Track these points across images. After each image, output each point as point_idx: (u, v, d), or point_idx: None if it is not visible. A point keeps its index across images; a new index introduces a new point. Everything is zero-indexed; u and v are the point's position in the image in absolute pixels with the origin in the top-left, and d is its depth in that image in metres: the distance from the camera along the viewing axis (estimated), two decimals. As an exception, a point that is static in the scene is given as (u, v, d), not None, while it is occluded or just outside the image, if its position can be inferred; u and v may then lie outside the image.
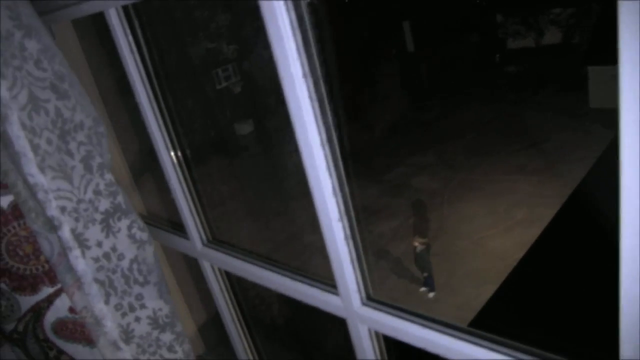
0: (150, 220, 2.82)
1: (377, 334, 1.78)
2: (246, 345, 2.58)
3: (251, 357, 2.57)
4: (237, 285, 2.55)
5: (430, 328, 1.56)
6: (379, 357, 1.79)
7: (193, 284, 3.32)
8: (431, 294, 7.79)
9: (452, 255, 8.49)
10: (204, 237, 2.36)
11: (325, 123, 1.48)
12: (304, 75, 1.37)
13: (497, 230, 8.80)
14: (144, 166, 3.01)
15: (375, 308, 1.70)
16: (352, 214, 1.61)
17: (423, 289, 7.89)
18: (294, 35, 1.34)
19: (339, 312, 1.79)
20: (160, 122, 2.18)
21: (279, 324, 3.40)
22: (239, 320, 2.52)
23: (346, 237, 1.62)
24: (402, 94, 13.62)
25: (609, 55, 10.67)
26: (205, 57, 11.73)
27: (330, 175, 1.52)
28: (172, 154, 2.23)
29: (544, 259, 7.63)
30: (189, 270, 3.33)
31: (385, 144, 12.15)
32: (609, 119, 10.51)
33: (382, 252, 8.86)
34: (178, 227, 2.51)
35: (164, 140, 2.18)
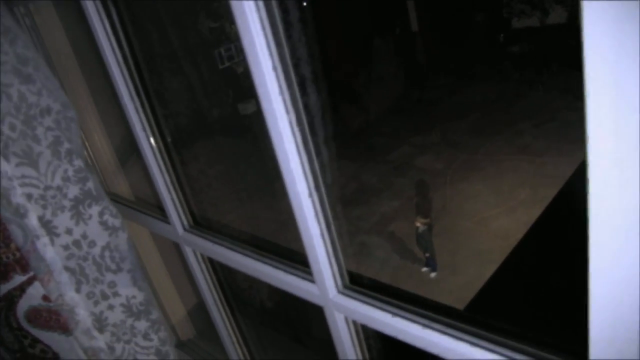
0: (136, 204, 2.78)
1: (354, 322, 1.74)
2: (231, 331, 2.56)
3: (236, 342, 2.56)
4: (221, 269, 2.52)
5: (409, 320, 1.51)
6: (357, 346, 1.75)
7: (182, 266, 3.29)
8: (433, 274, 7.79)
9: (454, 236, 8.48)
10: (185, 221, 2.32)
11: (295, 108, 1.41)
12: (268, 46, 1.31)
13: (500, 210, 8.76)
14: (131, 148, 2.95)
15: (351, 297, 1.66)
16: (325, 199, 1.55)
17: (425, 269, 7.89)
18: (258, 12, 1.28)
19: (316, 299, 1.76)
20: (137, 102, 2.13)
21: (269, 307, 3.38)
22: (222, 305, 2.50)
23: (318, 220, 1.57)
24: (405, 73, 13.47)
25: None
26: (208, 37, 11.61)
27: (299, 153, 1.46)
28: (150, 136, 2.18)
29: (545, 238, 7.59)
30: (178, 253, 3.30)
31: (388, 124, 12.06)
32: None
33: (385, 232, 8.86)
34: (161, 211, 2.48)
35: (141, 122, 2.13)
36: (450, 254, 7.97)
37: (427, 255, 7.74)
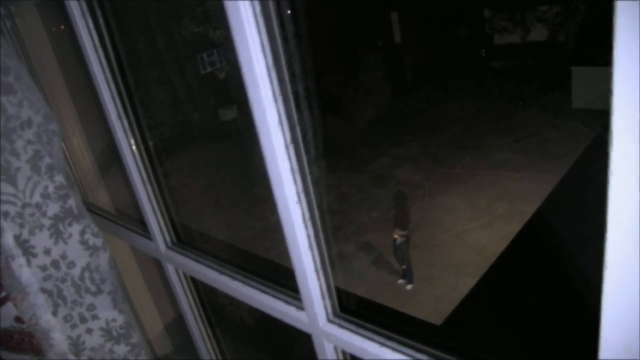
0: (117, 218, 2.69)
1: (344, 351, 1.69)
2: (210, 347, 2.49)
3: (214, 357, 2.48)
4: (203, 285, 2.44)
5: (402, 353, 1.46)
6: (345, 376, 1.70)
7: (160, 279, 3.19)
8: (409, 286, 7.78)
9: (431, 248, 8.50)
10: (168, 238, 2.24)
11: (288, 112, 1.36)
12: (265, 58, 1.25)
13: (478, 224, 8.83)
14: (112, 157, 2.85)
15: (342, 326, 1.61)
16: (320, 229, 1.50)
17: (401, 280, 7.88)
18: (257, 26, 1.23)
19: (304, 327, 1.70)
20: (122, 114, 2.05)
21: (249, 324, 3.30)
22: (202, 322, 2.42)
23: (311, 247, 1.52)
24: (387, 86, 13.55)
25: (592, 56, 10.74)
26: (191, 42, 11.48)
27: (295, 181, 1.41)
28: (132, 141, 2.09)
29: (523, 255, 7.66)
30: (157, 266, 3.21)
31: (369, 135, 12.10)
32: (591, 118, 10.62)
33: (363, 243, 8.83)
34: (143, 225, 2.39)
35: (123, 126, 2.04)
36: (426, 266, 7.98)
37: (404, 267, 7.73)
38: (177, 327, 3.30)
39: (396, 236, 7.72)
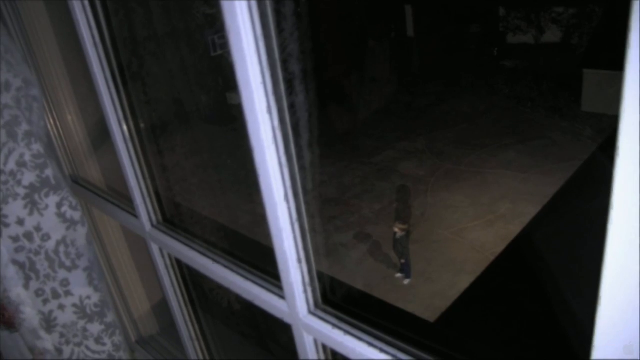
0: (104, 192, 2.62)
1: (324, 346, 1.62)
2: (192, 331, 2.43)
3: (196, 343, 2.42)
4: (188, 268, 2.38)
5: (386, 352, 1.39)
6: (325, 370, 1.63)
7: (150, 259, 3.13)
8: (406, 281, 7.78)
9: (431, 244, 8.49)
10: (153, 217, 2.17)
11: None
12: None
13: (479, 222, 8.80)
14: (106, 131, 2.77)
15: (324, 319, 1.53)
16: (303, 208, 1.42)
17: (399, 274, 7.88)
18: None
19: (284, 317, 1.63)
20: (112, 86, 1.96)
21: (236, 309, 3.25)
22: (186, 304, 2.36)
23: (294, 230, 1.44)
24: (397, 78, 13.44)
25: (605, 59, 10.58)
26: (203, 23, 11.38)
27: (279, 156, 1.33)
28: (123, 120, 2.01)
29: (522, 256, 7.61)
30: (147, 246, 3.14)
31: (375, 127, 12.01)
32: (599, 123, 10.50)
33: (363, 234, 8.82)
34: (130, 203, 2.32)
35: (113, 103, 1.96)
36: (425, 261, 7.96)
37: (403, 261, 7.72)
38: (165, 309, 3.24)
39: (397, 230, 7.69)
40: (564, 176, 9.07)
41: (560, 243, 6.99)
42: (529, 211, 8.47)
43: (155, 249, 2.21)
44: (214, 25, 11.27)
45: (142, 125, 2.16)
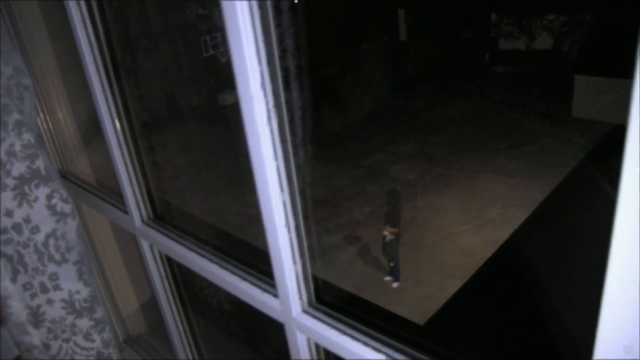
0: (94, 188, 2.58)
1: (317, 345, 1.60)
2: (181, 329, 2.40)
3: (185, 342, 2.39)
4: (178, 265, 2.34)
5: (378, 350, 1.38)
6: (317, 369, 1.61)
7: (139, 257, 3.09)
8: (395, 284, 7.76)
9: (420, 247, 8.48)
10: (144, 213, 2.14)
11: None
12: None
13: (468, 227, 8.81)
14: (97, 127, 2.74)
15: (317, 318, 1.51)
16: (299, 207, 1.41)
17: (388, 278, 7.86)
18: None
19: (278, 316, 1.61)
20: (105, 83, 1.94)
21: (226, 309, 3.22)
22: (175, 303, 2.33)
23: (289, 230, 1.43)
24: (388, 82, 13.46)
25: (596, 66, 10.67)
26: (195, 23, 11.31)
27: (276, 153, 1.31)
28: (116, 118, 1.99)
29: (511, 260, 7.65)
30: (136, 243, 3.11)
31: (366, 130, 12.02)
32: (589, 129, 10.59)
33: (352, 237, 8.79)
34: (121, 198, 2.28)
35: (107, 103, 1.94)
36: (414, 265, 7.95)
37: (392, 264, 7.70)
38: (153, 308, 3.20)
39: (386, 233, 7.68)
40: (553, 182, 9.12)
41: (548, 248, 7.04)
42: (518, 216, 8.50)
43: (145, 245, 2.18)
44: (207, 25, 11.23)
45: (134, 122, 2.14)
